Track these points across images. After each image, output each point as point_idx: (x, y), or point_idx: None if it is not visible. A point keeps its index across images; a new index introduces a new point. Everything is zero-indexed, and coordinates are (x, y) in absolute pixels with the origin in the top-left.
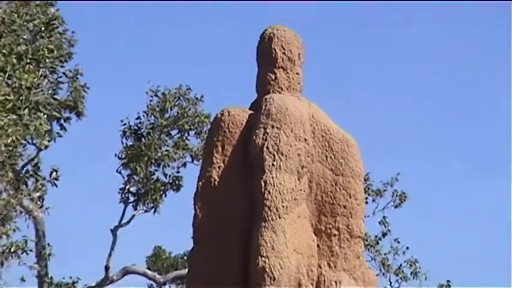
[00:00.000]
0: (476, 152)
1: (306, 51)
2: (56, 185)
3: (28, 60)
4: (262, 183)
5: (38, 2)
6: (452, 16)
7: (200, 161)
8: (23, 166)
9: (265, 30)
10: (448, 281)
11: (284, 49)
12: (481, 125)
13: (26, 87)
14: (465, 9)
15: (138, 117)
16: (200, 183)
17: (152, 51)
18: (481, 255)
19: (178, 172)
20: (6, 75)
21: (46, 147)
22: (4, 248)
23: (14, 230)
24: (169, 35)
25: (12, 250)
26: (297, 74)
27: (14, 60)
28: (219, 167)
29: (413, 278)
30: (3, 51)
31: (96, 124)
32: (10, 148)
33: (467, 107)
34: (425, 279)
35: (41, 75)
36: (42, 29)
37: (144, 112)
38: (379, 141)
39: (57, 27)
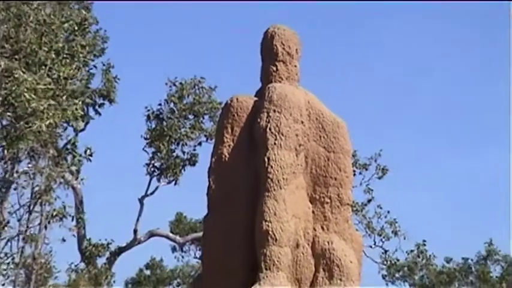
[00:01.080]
0: (445, 132)
1: (303, 47)
2: (90, 160)
3: (65, 55)
4: (266, 159)
5: (71, 6)
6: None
7: (213, 140)
8: (64, 145)
9: (268, 29)
10: (424, 240)
11: (284, 45)
12: (450, 109)
13: (64, 78)
14: None
15: (160, 104)
16: (213, 159)
17: (172, 47)
18: (452, 219)
19: (194, 150)
20: (47, 68)
21: (82, 130)
22: (47, 213)
23: (55, 199)
24: (187, 34)
25: (54, 215)
26: (295, 66)
27: (53, 55)
28: (229, 146)
29: (394, 236)
30: (44, 48)
31: (125, 109)
32: (50, 129)
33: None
34: (404, 238)
35: (76, 67)
36: (76, 28)
37: (165, 100)
38: (366, 122)
39: (87, 27)
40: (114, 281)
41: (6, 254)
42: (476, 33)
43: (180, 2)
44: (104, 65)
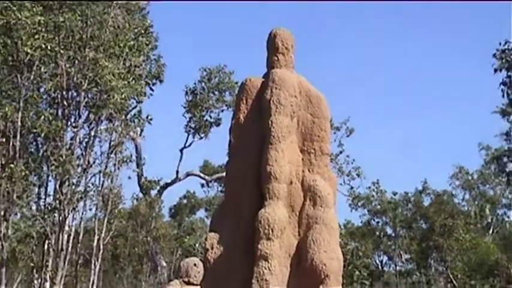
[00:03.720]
0: (393, 102)
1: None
2: (150, 123)
3: (134, 50)
4: (270, 122)
5: (139, 16)
6: None
7: (232, 108)
8: (129, 112)
9: (272, 30)
10: (377, 180)
11: (283, 42)
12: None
13: (134, 66)
14: None
15: (195, 83)
16: (233, 121)
17: (205, 42)
18: (398, 165)
19: (219, 115)
20: (122, 59)
21: (143, 101)
22: (119, 158)
23: (125, 149)
24: (214, 33)
25: (123, 160)
26: (290, 57)
27: (127, 50)
28: (244, 112)
29: (358, 177)
30: (120, 44)
31: (171, 87)
32: (123, 101)
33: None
34: (364, 178)
35: (142, 59)
36: (142, 32)
37: (198, 80)
38: (339, 95)
39: (150, 33)
40: (163, 206)
41: (91, 185)
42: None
43: (209, 6)
44: (155, 55)
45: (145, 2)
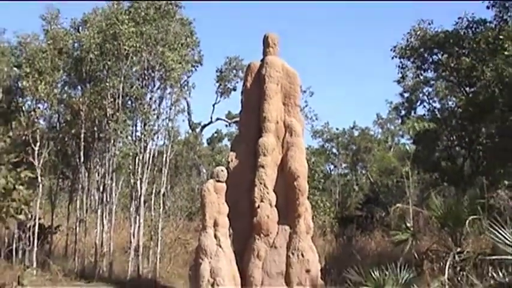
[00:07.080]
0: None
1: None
2: (194, 88)
3: (185, 46)
4: (265, 87)
5: (189, 27)
6: None
7: (243, 80)
8: (183, 82)
9: (265, 34)
10: (327, 121)
11: (272, 41)
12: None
13: (184, 55)
14: None
15: (221, 65)
16: (243, 87)
17: (227, 40)
18: (339, 112)
19: (235, 85)
20: (177, 51)
21: (190, 76)
22: (177, 110)
23: (180, 104)
24: (233, 31)
25: (179, 111)
26: (277, 49)
27: (180, 45)
28: (249, 82)
29: (316, 120)
30: (176, 42)
31: (207, 69)
32: (177, 78)
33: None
34: (319, 120)
35: (188, 51)
36: (189, 35)
37: (223, 64)
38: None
39: (194, 36)
40: (203, 137)
41: (162, 126)
42: None
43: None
44: (198, 49)
45: (192, 18)
